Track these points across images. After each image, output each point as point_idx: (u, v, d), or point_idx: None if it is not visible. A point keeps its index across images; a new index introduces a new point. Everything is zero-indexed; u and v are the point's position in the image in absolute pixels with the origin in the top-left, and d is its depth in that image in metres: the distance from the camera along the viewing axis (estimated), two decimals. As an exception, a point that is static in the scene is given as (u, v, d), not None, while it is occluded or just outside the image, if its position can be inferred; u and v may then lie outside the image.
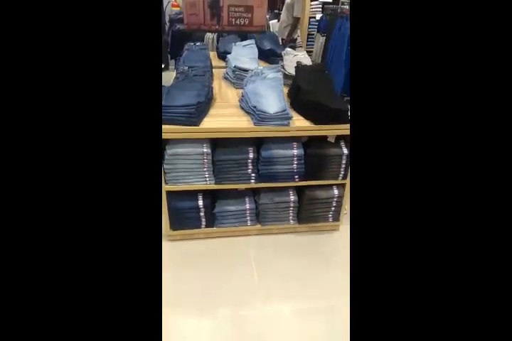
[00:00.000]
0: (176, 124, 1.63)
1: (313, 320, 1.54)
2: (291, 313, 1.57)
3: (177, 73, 2.05)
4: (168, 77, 5.04)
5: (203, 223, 1.89)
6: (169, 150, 1.68)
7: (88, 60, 0.63)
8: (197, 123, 1.64)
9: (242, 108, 1.83)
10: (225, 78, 2.33)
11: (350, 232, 0.74)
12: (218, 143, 1.75)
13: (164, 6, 4.50)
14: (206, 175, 1.76)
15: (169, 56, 3.95)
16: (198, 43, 2.52)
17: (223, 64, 2.59)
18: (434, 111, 0.63)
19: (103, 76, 0.64)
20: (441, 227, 0.63)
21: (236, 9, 2.46)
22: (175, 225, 1.88)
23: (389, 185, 0.66)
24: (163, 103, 1.66)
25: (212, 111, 1.81)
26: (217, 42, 3.26)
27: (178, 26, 3.63)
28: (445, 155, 0.62)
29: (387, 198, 0.66)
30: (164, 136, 1.64)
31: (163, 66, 5.02)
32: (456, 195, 0.62)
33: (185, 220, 1.87)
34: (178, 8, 4.46)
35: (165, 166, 1.71)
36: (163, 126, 1.62)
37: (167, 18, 4.17)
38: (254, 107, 1.68)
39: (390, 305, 0.65)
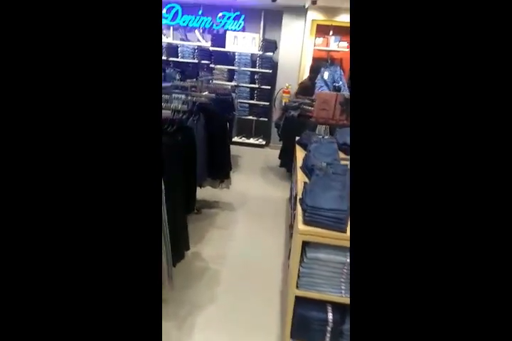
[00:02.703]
0: (323, 228, 1.56)
1: None
2: None
3: (315, 169, 2.05)
4: (267, 153, 5.21)
5: (328, 339, 1.68)
6: (309, 254, 1.59)
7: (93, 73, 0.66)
8: (345, 230, 1.56)
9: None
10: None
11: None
12: (360, 252, 1.63)
13: (276, 92, 4.91)
14: (342, 287, 1.61)
15: (279, 137, 4.16)
16: (326, 136, 2.59)
17: (343, 156, 2.59)
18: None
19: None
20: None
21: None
22: (296, 334, 1.70)
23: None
24: (309, 203, 1.62)
25: (353, 215, 1.73)
26: (330, 134, 3.35)
27: (293, 113, 3.86)
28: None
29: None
30: (306, 238, 1.57)
31: (264, 143, 5.32)
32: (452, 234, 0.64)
33: (308, 331, 1.68)
34: (288, 95, 4.83)
35: (301, 269, 1.61)
36: (309, 228, 1.56)
37: (282, 104, 4.50)
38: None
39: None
